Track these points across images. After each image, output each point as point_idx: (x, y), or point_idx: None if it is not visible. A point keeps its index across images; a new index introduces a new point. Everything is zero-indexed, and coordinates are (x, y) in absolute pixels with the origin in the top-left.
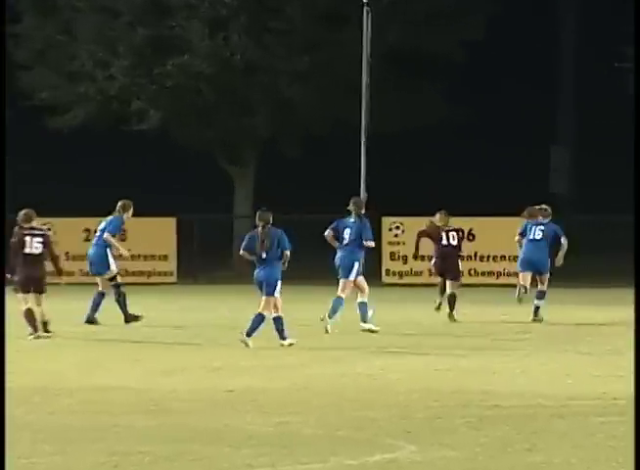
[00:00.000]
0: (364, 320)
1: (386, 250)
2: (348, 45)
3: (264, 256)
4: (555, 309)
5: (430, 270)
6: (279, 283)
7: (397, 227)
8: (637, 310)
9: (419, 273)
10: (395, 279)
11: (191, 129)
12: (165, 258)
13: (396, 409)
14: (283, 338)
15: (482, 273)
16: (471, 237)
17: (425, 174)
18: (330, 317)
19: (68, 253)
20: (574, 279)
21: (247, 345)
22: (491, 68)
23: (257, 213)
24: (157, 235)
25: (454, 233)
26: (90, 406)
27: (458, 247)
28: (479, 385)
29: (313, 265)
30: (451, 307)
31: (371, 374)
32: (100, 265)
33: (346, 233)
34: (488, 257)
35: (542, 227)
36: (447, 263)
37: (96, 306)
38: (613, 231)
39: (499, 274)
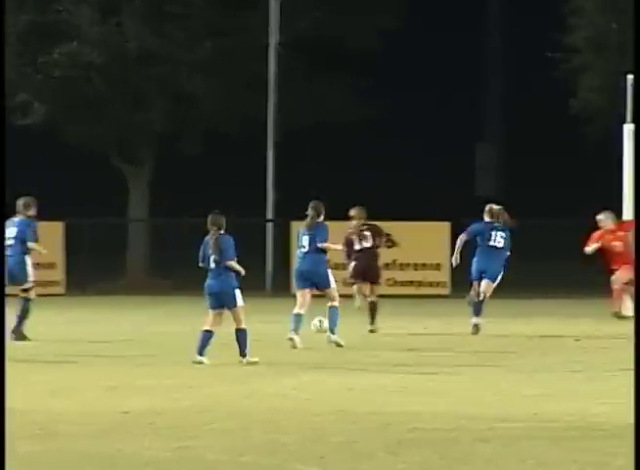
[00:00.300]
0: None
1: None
2: (255, 33)
3: (213, 265)
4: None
5: (345, 279)
6: (237, 291)
7: None
8: (637, 317)
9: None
10: None
11: (80, 124)
12: (52, 266)
13: (309, 432)
14: (243, 354)
15: (402, 283)
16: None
17: (339, 175)
18: (333, 332)
19: None
20: (501, 290)
21: (201, 363)
22: (412, 59)
23: (209, 217)
24: (42, 241)
25: (367, 233)
26: None
27: (374, 245)
28: (398, 405)
29: None
30: (372, 318)
31: (282, 394)
32: (20, 274)
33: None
34: (409, 264)
35: (503, 234)
36: (366, 265)
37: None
38: (544, 236)
39: (420, 284)
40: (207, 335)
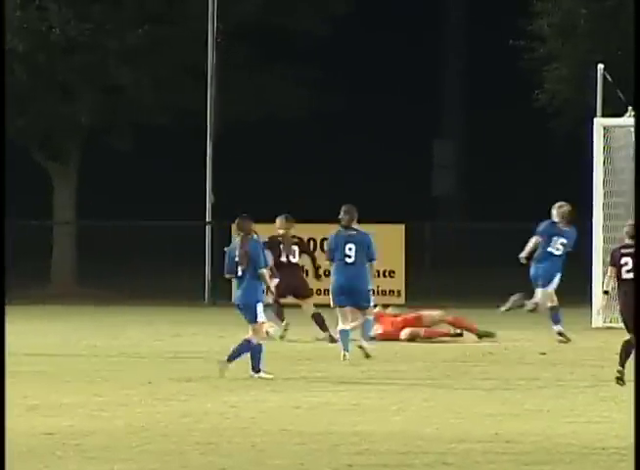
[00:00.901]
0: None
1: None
2: (191, 20)
3: (240, 273)
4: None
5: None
6: (259, 306)
7: None
8: (637, 317)
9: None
10: None
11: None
12: None
13: (251, 454)
14: (256, 370)
15: None
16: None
17: (284, 174)
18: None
19: None
20: (451, 298)
21: (222, 373)
22: (364, 49)
23: (236, 221)
24: None
25: (295, 248)
26: None
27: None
28: (348, 425)
29: (155, 282)
30: (323, 328)
31: (221, 413)
32: None
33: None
34: None
35: (564, 240)
36: (294, 281)
37: None
38: (506, 240)
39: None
40: (250, 346)
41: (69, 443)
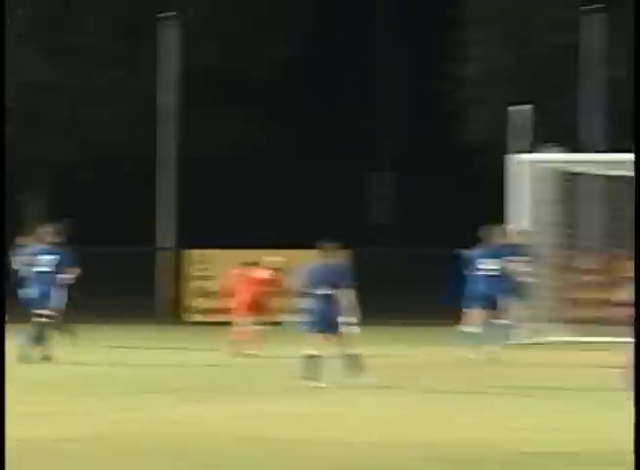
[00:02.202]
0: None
1: (193, 285)
2: (147, 63)
3: (324, 291)
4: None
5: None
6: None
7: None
8: (637, 322)
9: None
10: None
11: None
12: None
13: (208, 460)
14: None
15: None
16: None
17: (233, 205)
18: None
19: None
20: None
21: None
22: (306, 87)
23: (322, 244)
24: None
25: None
26: None
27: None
28: (302, 433)
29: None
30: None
31: (185, 421)
32: None
33: None
34: None
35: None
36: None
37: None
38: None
39: None
40: (316, 360)
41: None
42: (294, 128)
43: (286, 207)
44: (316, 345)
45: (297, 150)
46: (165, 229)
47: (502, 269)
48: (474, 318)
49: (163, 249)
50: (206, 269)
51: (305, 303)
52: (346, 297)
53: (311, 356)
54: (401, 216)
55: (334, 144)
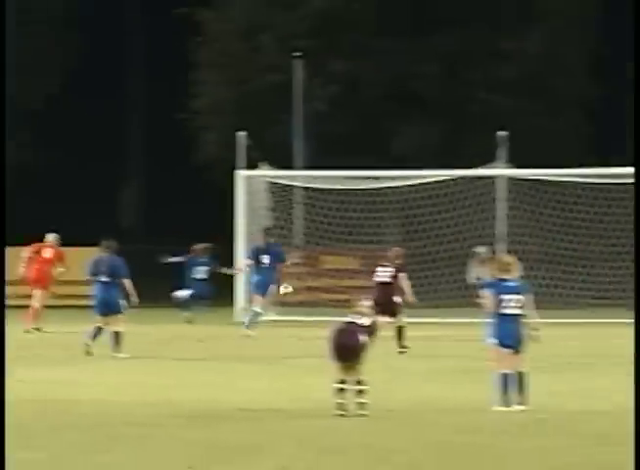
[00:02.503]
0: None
1: None
2: None
3: None
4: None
5: None
6: None
7: None
8: (637, 318)
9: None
10: None
11: None
12: None
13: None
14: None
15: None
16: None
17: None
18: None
19: None
20: None
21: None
22: (70, 115)
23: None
24: None
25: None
26: None
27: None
28: (60, 394)
29: None
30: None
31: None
32: None
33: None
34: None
35: None
36: None
37: None
38: None
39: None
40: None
41: None
42: (59, 149)
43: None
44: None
45: (61, 168)
46: None
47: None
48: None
49: None
50: None
51: (91, 289)
52: (124, 284)
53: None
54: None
55: (92, 161)
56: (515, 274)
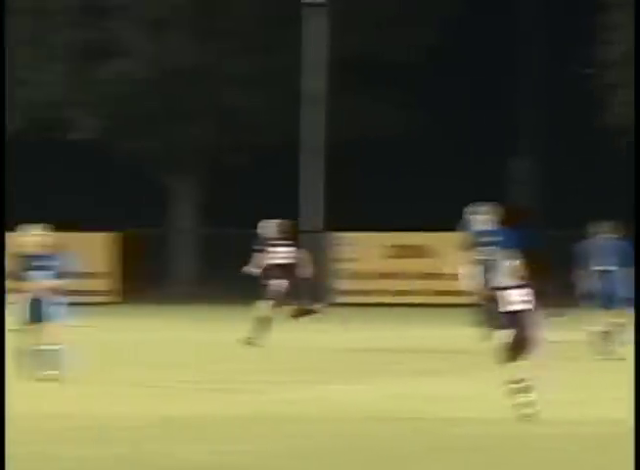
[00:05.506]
0: None
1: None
2: (296, 50)
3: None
4: None
5: None
6: None
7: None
8: (637, 317)
9: None
10: None
11: (132, 139)
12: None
13: None
14: None
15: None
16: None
17: (380, 187)
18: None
19: None
20: None
21: None
22: (450, 74)
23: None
24: (98, 252)
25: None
26: None
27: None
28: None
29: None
30: None
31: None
32: None
33: None
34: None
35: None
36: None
37: None
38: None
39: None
40: None
41: None
42: (436, 113)
43: (427, 190)
44: None
45: (439, 134)
46: (311, 212)
47: None
48: None
49: (307, 232)
50: (353, 252)
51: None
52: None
53: None
54: (543, 200)
55: (474, 129)
56: None
